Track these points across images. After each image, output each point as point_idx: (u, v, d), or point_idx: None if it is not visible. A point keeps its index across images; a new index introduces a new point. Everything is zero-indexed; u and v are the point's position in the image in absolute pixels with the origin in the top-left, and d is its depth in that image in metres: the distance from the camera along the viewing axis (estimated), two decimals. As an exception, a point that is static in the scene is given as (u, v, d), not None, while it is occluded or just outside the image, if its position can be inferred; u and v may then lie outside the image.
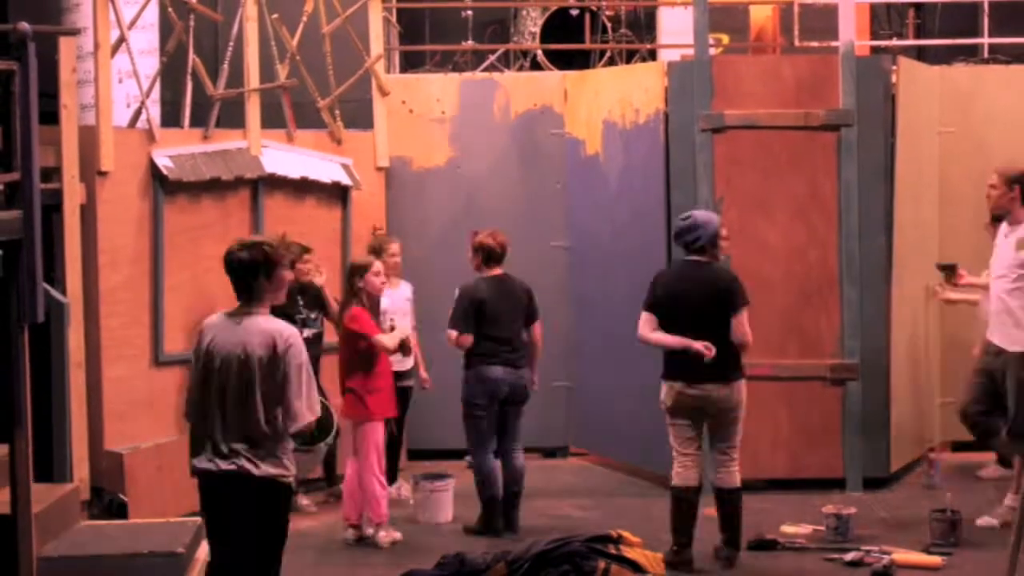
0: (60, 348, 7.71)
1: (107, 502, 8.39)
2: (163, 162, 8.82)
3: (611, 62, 11.77)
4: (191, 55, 9.14)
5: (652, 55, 11.78)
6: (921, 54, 11.54)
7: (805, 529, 8.16)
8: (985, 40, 11.48)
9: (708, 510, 8.83)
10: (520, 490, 8.47)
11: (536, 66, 12.05)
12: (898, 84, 9.53)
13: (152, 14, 9.72)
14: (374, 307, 8.42)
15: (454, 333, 8.34)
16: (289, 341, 5.56)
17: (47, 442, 7.56)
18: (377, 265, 8.37)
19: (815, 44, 10.83)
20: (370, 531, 8.21)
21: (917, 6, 12.18)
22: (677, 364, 7.52)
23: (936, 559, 7.59)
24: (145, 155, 8.81)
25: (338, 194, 9.88)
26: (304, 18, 9.74)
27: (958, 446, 10.26)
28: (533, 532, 8.12)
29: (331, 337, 9.11)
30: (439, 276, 10.25)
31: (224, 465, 5.52)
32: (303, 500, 9.00)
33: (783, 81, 9.38)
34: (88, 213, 8.42)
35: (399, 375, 8.81)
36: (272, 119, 9.64)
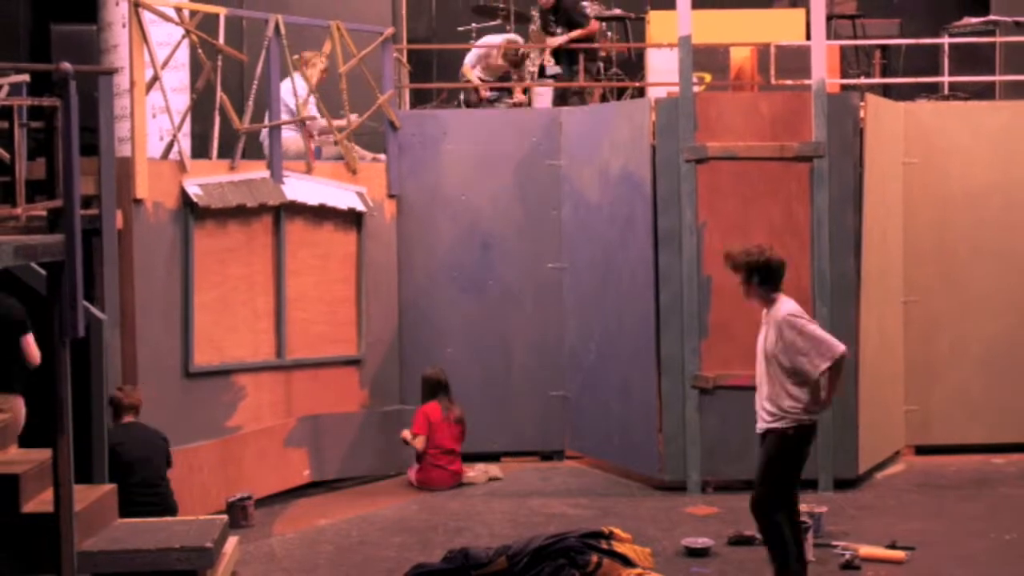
0: (99, 360, 7.72)
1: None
2: (193, 190, 8.85)
3: (603, 99, 11.80)
4: (219, 92, 9.17)
5: (641, 92, 11.81)
6: (887, 91, 11.56)
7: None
8: (945, 79, 11.51)
9: (693, 508, 8.87)
10: None
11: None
12: (866, 119, 9.55)
13: (183, 55, 9.76)
14: None
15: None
16: None
17: (87, 447, 7.56)
18: None
19: (790, 82, 10.84)
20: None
21: (883, 47, 12.21)
22: None
23: (900, 553, 7.60)
24: (177, 184, 8.83)
25: (353, 219, 9.90)
26: (323, 58, 9.78)
27: (921, 450, 10.29)
28: (532, 529, 8.13)
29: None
30: (443, 293, 10.30)
31: None
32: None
33: (761, 116, 9.40)
34: (124, 237, 8.44)
35: None
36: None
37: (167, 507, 7.84)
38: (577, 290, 10.26)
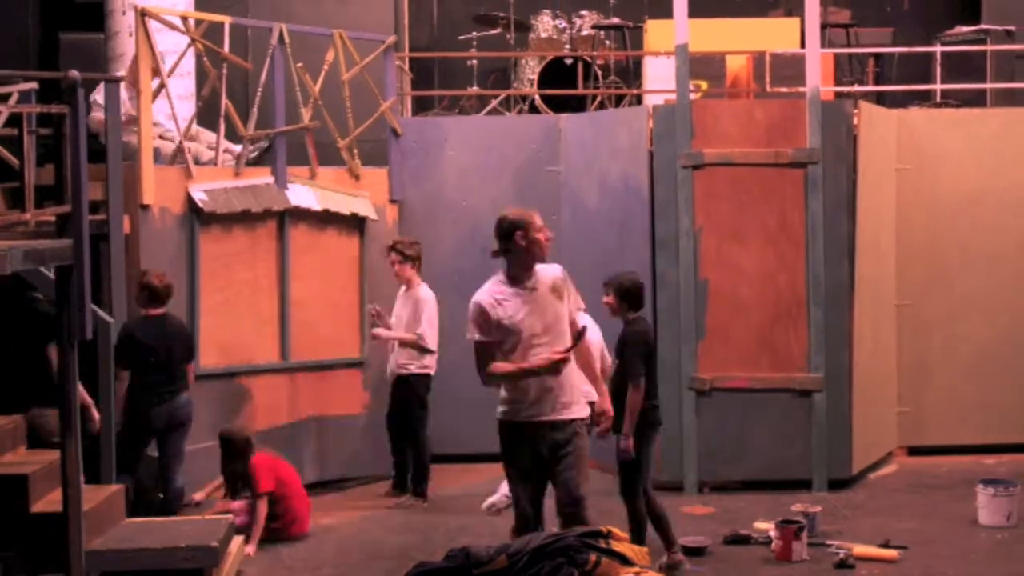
0: (106, 362, 7.74)
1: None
2: (199, 196, 8.87)
3: (601, 106, 11.83)
4: (224, 100, 9.19)
5: (638, 100, 11.83)
6: (880, 99, 11.58)
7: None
8: (937, 86, 11.53)
9: (690, 508, 8.88)
10: None
11: (534, 110, 12.10)
12: (859, 126, 9.56)
13: (189, 63, 9.78)
14: None
15: None
16: None
17: (95, 447, 7.58)
18: None
19: (784, 90, 10.85)
20: None
21: (876, 56, 12.23)
22: None
23: (892, 552, 7.60)
24: (183, 190, 8.86)
25: (356, 225, 9.92)
26: (326, 66, 9.79)
27: (914, 451, 10.30)
28: (531, 528, 8.13)
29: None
30: (445, 297, 10.31)
31: None
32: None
33: (756, 123, 9.42)
34: (131, 242, 8.47)
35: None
36: (297, 157, 9.70)
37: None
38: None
